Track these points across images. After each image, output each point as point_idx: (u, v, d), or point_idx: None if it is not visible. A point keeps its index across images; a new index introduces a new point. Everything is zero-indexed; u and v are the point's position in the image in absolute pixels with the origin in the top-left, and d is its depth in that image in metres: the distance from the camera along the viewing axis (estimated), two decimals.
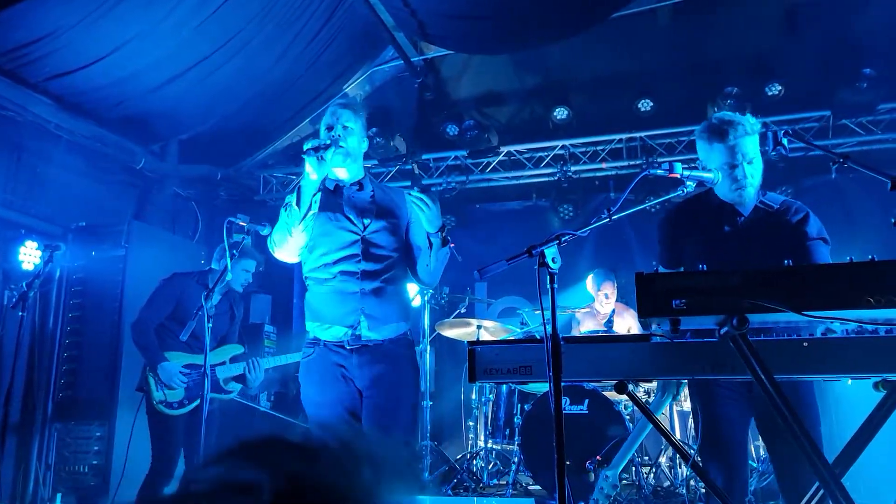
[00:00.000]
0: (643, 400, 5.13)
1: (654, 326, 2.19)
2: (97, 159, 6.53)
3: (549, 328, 2.19)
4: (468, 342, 2.42)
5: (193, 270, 4.79)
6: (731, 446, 2.75)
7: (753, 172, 2.78)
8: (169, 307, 4.49)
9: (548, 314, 2.23)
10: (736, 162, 2.75)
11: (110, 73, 5.62)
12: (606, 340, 2.34)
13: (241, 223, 3.79)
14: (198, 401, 4.37)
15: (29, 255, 5.63)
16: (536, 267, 2.29)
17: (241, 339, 4.80)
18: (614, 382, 2.28)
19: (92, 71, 5.53)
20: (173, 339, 4.35)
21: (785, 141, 2.49)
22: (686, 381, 3.33)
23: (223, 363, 4.51)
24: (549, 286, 2.30)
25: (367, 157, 7.42)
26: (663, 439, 5.23)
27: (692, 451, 4.55)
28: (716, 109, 6.56)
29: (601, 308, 6.03)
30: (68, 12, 4.96)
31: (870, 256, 1.91)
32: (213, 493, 0.60)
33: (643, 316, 2.03)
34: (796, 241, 2.77)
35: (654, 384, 5.17)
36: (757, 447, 5.06)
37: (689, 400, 5.02)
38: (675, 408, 5.33)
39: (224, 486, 0.60)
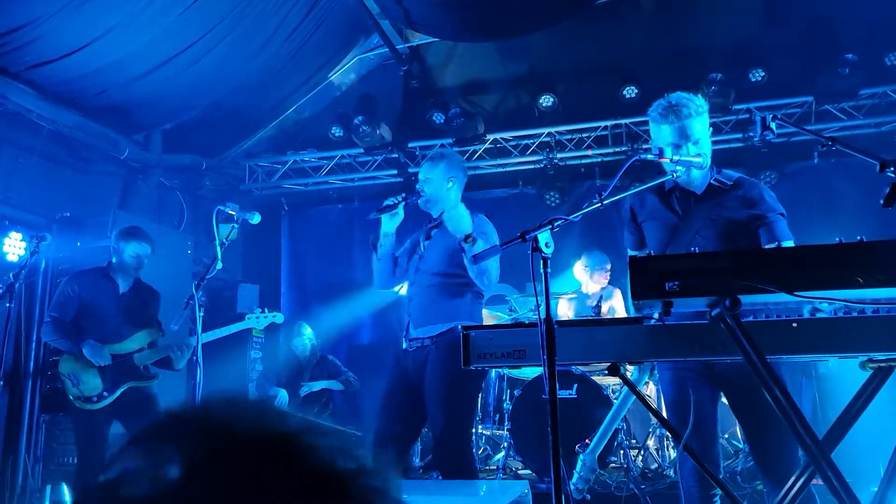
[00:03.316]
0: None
1: (646, 309, 2.22)
2: (80, 149, 6.46)
3: (542, 312, 2.21)
4: (462, 327, 2.43)
5: (94, 267, 4.67)
6: (701, 426, 2.79)
7: (699, 152, 2.82)
8: (74, 305, 4.42)
9: (541, 298, 2.25)
10: (680, 142, 2.80)
11: (93, 61, 5.55)
12: (599, 323, 2.37)
13: (231, 212, 3.77)
14: (120, 390, 4.30)
15: (13, 247, 5.57)
16: (530, 252, 2.31)
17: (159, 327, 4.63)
18: (606, 365, 2.32)
19: (74, 59, 5.46)
20: (86, 336, 4.32)
21: (773, 125, 2.52)
22: (656, 363, 3.42)
23: (142, 349, 4.42)
24: (542, 271, 2.32)
25: (352, 145, 7.49)
26: (650, 422, 5.30)
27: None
28: (700, 96, 6.60)
29: (589, 289, 6.11)
30: (50, 0, 4.89)
31: (858, 237, 1.94)
32: (120, 478, 0.59)
33: (636, 298, 2.05)
34: (751, 215, 2.80)
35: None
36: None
37: None
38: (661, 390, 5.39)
39: (131, 470, 0.59)
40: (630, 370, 5.25)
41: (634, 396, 4.87)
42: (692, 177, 2.88)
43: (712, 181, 2.91)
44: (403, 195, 3.58)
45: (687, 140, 2.80)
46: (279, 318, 4.84)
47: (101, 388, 4.30)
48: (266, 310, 4.85)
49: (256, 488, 0.57)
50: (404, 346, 3.57)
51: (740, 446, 4.95)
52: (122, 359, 4.35)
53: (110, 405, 4.30)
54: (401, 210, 3.53)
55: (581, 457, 4.25)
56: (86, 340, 4.30)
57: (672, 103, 2.84)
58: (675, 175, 2.61)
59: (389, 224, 3.56)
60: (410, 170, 7.47)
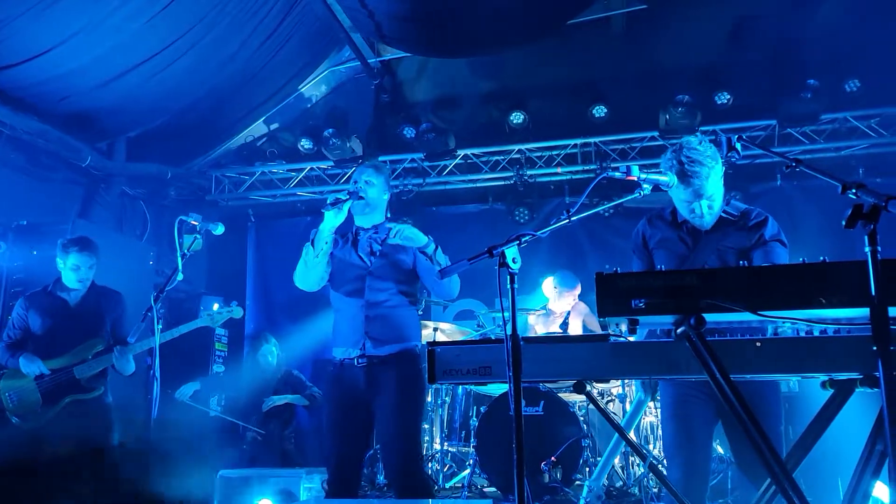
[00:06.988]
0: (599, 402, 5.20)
1: (612, 326, 2.21)
2: (40, 156, 6.30)
3: (508, 328, 2.19)
4: (427, 343, 2.40)
5: (42, 287, 4.54)
6: (694, 445, 2.79)
7: (712, 204, 2.89)
8: (22, 327, 4.35)
9: (508, 314, 2.23)
10: (693, 201, 2.87)
11: (55, 66, 5.43)
12: (565, 340, 2.35)
13: (193, 222, 3.68)
14: (59, 405, 4.17)
15: None
16: (497, 267, 2.29)
17: (108, 335, 4.43)
18: (572, 383, 2.31)
19: (36, 64, 5.33)
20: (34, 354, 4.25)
21: (738, 146, 2.55)
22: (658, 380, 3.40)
23: (84, 361, 4.25)
24: (508, 286, 2.30)
25: (322, 157, 7.44)
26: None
27: (646, 452, 4.63)
28: (667, 117, 6.72)
29: (557, 307, 6.11)
30: (12, 3, 4.78)
31: (821, 258, 1.96)
32: None
33: (602, 316, 2.04)
34: (754, 243, 2.87)
35: (607, 385, 5.25)
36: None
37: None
38: (628, 408, 5.40)
39: None
40: (632, 389, 5.25)
41: (643, 410, 4.88)
42: (704, 223, 2.94)
43: (721, 213, 2.96)
44: (349, 194, 3.47)
45: (700, 199, 2.85)
46: (237, 312, 4.59)
47: (39, 403, 4.18)
48: (220, 305, 4.68)
49: None
50: (352, 361, 3.39)
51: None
52: (61, 373, 4.19)
53: (51, 420, 4.17)
54: (346, 209, 3.40)
55: (586, 483, 4.24)
56: (22, 355, 4.21)
57: (685, 167, 2.79)
58: (640, 195, 2.63)
59: (333, 220, 3.39)
60: None
